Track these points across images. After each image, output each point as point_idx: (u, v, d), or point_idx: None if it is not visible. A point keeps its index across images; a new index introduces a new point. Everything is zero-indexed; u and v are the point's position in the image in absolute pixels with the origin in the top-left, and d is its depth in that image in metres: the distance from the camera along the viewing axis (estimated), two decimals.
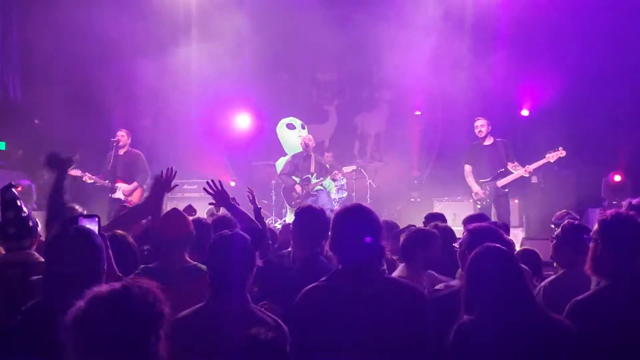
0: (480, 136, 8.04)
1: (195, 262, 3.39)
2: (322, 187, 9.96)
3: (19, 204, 3.26)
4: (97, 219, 2.76)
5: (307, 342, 2.48)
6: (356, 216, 2.60)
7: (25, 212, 3.29)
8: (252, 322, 2.51)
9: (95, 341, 1.70)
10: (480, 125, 8.04)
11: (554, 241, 3.61)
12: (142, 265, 3.41)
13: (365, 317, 2.42)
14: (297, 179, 9.83)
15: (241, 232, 2.80)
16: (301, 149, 10.02)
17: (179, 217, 3.51)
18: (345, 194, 10.68)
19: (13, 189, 3.28)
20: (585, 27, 9.27)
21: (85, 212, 4.02)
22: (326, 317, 2.47)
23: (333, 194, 10.35)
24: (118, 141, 8.59)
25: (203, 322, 2.60)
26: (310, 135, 10.19)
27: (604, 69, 9.53)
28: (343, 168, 10.18)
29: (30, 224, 3.30)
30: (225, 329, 2.50)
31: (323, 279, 2.59)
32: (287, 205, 10.30)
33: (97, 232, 2.66)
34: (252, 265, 2.74)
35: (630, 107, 9.54)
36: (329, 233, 2.74)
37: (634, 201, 3.42)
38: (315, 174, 9.83)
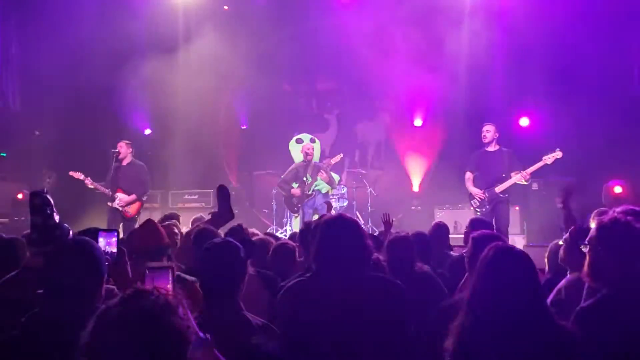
0: (484, 141, 7.94)
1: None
2: (318, 189, 9.87)
3: (48, 211, 3.24)
4: (115, 233, 2.80)
5: (292, 335, 2.61)
6: (338, 226, 2.76)
7: (54, 220, 3.27)
8: (249, 329, 2.52)
9: None
10: (486, 130, 7.93)
11: (563, 245, 3.53)
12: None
13: (347, 310, 2.57)
14: (296, 185, 9.82)
15: (233, 240, 2.80)
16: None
17: (152, 229, 3.56)
18: (345, 203, 10.66)
19: (45, 195, 3.26)
20: (585, 33, 9.28)
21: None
22: (309, 310, 2.61)
23: (326, 191, 10.11)
24: (119, 152, 8.63)
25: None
26: (312, 145, 10.27)
27: (605, 74, 9.55)
28: (331, 160, 10.10)
29: (58, 232, 3.23)
30: (223, 338, 2.48)
31: (308, 274, 2.77)
32: (290, 214, 10.31)
33: (116, 246, 2.73)
34: (244, 273, 2.74)
35: (632, 113, 9.52)
36: (315, 243, 2.79)
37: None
38: (309, 175, 9.78)
